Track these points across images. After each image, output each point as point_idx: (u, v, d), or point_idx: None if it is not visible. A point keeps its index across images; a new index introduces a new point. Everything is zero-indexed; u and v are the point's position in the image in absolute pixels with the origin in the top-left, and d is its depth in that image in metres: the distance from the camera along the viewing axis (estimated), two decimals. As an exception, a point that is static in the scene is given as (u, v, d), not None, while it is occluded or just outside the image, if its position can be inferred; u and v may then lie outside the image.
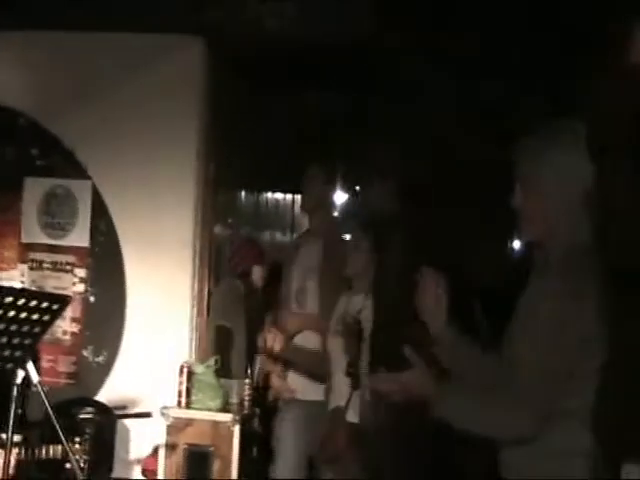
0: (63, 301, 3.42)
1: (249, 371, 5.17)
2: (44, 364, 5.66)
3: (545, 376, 2.41)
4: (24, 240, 6.00)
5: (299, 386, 5.00)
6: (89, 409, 4.82)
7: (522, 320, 2.56)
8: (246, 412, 5.02)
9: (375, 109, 6.09)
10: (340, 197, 5.73)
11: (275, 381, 5.15)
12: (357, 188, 4.96)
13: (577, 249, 2.53)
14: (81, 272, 5.90)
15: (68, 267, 5.92)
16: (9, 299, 3.12)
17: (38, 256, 5.97)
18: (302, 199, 5.39)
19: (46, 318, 3.28)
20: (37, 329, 3.27)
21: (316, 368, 4.80)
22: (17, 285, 5.71)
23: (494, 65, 5.47)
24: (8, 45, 5.97)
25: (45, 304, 3.26)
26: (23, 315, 3.19)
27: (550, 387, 2.42)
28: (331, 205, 5.28)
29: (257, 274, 5.74)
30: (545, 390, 2.42)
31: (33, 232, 5.98)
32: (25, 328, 3.22)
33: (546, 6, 4.81)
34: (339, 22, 5.62)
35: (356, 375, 4.24)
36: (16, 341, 3.22)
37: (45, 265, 5.95)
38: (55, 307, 3.30)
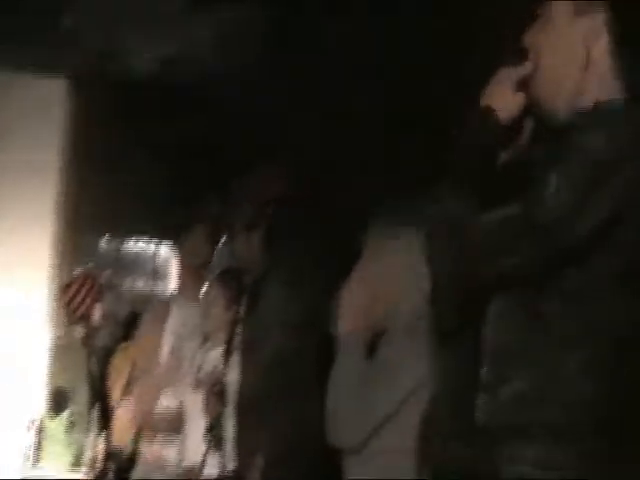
0: None
1: (102, 425, 4.95)
2: None
3: None
4: None
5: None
6: None
7: None
8: (99, 469, 4.81)
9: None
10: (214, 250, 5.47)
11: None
12: (225, 239, 4.69)
13: None
14: None
15: None
16: None
17: None
18: (179, 254, 5.14)
19: None
20: None
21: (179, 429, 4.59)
22: None
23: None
24: None
25: None
26: None
27: None
28: (207, 261, 5.00)
29: (98, 313, 5.39)
30: None
31: None
32: None
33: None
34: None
35: (217, 437, 4.06)
36: None
37: None
38: None
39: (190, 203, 5.35)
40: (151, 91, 5.83)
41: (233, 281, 4.43)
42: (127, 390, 5.55)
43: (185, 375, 4.57)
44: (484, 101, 2.12)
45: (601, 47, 2.08)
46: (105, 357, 5.61)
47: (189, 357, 4.68)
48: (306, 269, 4.02)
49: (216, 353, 4.39)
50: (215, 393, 4.14)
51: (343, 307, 2.90)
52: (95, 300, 5.36)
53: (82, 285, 5.43)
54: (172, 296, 5.24)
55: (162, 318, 4.94)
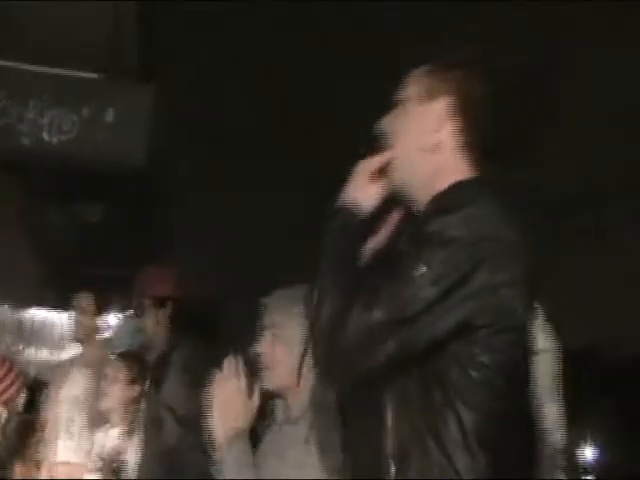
0: None
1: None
2: None
3: None
4: None
5: None
6: None
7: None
8: None
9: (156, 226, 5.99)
10: (113, 323, 5.37)
11: None
12: (127, 313, 4.59)
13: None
14: None
15: None
16: None
17: None
18: (74, 327, 5.10)
19: None
20: None
21: None
22: None
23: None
24: None
25: None
26: None
27: None
28: (101, 334, 5.07)
29: (20, 399, 5.32)
30: None
31: None
32: None
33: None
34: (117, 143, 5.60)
35: None
36: None
37: None
38: None
39: (87, 278, 5.22)
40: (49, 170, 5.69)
41: (135, 359, 4.44)
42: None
43: (84, 452, 4.55)
44: (346, 195, 2.12)
45: (450, 129, 2.09)
46: (13, 432, 5.49)
47: (86, 434, 4.64)
48: (202, 362, 3.92)
49: (115, 432, 4.37)
50: (112, 471, 4.14)
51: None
52: (21, 387, 5.27)
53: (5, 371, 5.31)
54: (70, 365, 5.14)
55: (60, 388, 4.90)
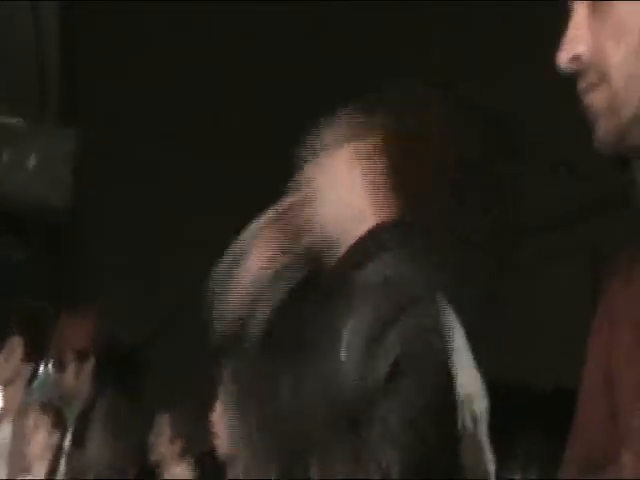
0: None
1: None
2: None
3: None
4: None
5: None
6: None
7: None
8: None
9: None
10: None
11: None
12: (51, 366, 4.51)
13: None
14: None
15: None
16: None
17: None
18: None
19: None
20: None
21: None
22: None
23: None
24: None
25: None
26: None
27: None
28: (26, 381, 4.73)
29: None
30: None
31: None
32: None
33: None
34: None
35: None
36: None
37: None
38: None
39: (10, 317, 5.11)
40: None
41: (56, 411, 4.32)
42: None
43: None
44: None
45: (377, 169, 2.05)
46: None
47: None
48: (126, 414, 4.08)
49: None
50: None
51: None
52: None
53: None
54: None
55: None
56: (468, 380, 2.58)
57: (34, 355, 4.92)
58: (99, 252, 5.92)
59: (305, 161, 2.13)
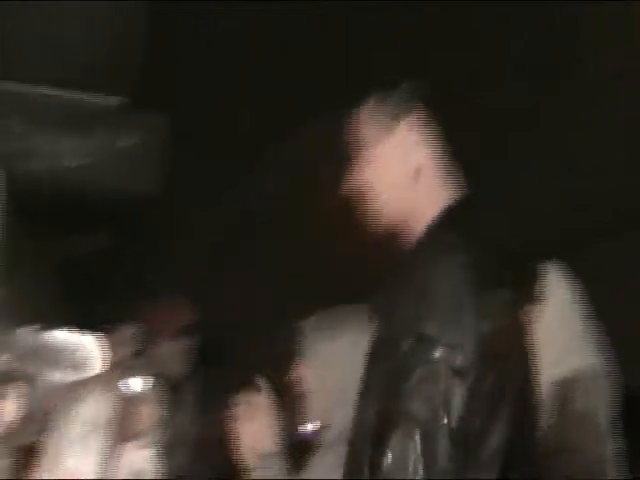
0: None
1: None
2: None
3: None
4: None
5: None
6: None
7: None
8: None
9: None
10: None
11: None
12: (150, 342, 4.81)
13: None
14: None
15: None
16: None
17: None
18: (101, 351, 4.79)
19: None
20: None
21: None
22: None
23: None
24: None
25: None
26: None
27: None
28: (125, 360, 4.86)
29: (7, 410, 5.04)
30: None
31: None
32: None
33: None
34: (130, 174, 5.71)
35: None
36: None
37: None
38: None
39: (113, 302, 5.24)
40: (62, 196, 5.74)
41: (159, 383, 4.46)
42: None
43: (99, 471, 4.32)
44: None
45: (427, 157, 2.11)
46: (26, 454, 5.44)
47: (105, 453, 4.47)
48: (215, 392, 4.12)
49: (145, 453, 4.39)
50: None
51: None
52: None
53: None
54: (86, 386, 5.13)
55: (80, 407, 4.69)
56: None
57: (136, 338, 5.11)
58: (184, 238, 6.01)
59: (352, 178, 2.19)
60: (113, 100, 5.76)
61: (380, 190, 2.16)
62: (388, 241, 2.17)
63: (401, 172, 2.15)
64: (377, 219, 2.18)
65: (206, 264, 5.78)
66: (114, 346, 4.93)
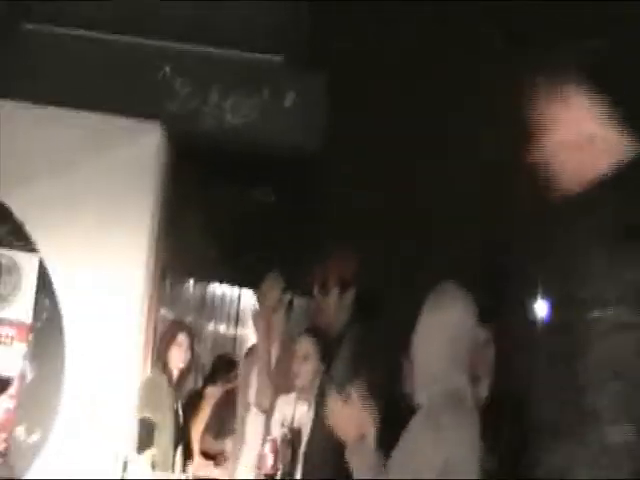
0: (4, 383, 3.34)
1: (184, 465, 5.30)
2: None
3: None
4: (-37, 310, 5.82)
5: None
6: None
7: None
8: None
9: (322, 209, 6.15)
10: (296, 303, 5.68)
11: None
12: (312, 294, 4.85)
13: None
14: (20, 347, 5.81)
15: (7, 340, 5.81)
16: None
17: (-24, 327, 5.77)
18: (259, 299, 5.43)
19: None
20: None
21: None
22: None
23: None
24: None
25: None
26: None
27: None
28: (286, 312, 5.32)
29: (177, 358, 5.79)
30: None
31: (-26, 302, 5.81)
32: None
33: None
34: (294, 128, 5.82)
35: None
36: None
37: (-17, 337, 5.75)
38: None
39: (273, 255, 5.69)
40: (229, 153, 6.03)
41: (321, 337, 4.67)
42: (206, 432, 6.17)
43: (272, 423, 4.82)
44: None
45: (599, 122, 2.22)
46: (191, 400, 6.17)
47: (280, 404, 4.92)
48: (370, 347, 4.33)
49: (303, 407, 4.67)
50: (286, 441, 4.43)
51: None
52: (170, 344, 5.80)
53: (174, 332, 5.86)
54: (250, 338, 5.84)
55: (251, 364, 5.29)
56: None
57: (290, 289, 5.23)
58: (345, 194, 6.00)
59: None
60: (277, 59, 5.76)
61: (557, 152, 2.25)
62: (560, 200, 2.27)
63: (576, 135, 2.22)
64: (553, 180, 2.26)
65: (364, 219, 5.84)
66: (271, 298, 5.22)
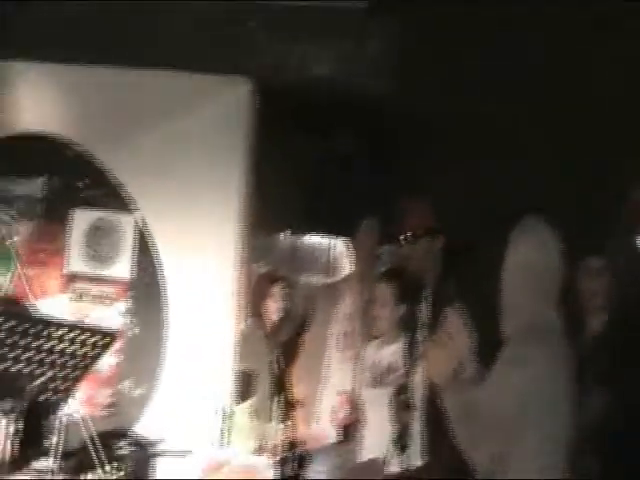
0: (112, 336, 3.43)
1: (284, 416, 5.30)
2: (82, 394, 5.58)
3: None
4: (66, 271, 6.07)
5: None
6: (126, 442, 4.97)
7: None
8: (281, 456, 5.08)
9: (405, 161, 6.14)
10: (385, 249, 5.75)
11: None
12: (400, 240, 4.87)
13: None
14: (122, 305, 5.95)
15: (109, 299, 5.95)
16: (59, 332, 3.13)
17: (79, 287, 6.02)
18: (353, 248, 5.54)
19: (94, 353, 3.30)
20: (84, 363, 3.28)
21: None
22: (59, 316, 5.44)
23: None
24: (60, 77, 6.19)
25: (94, 339, 3.26)
26: (71, 349, 3.19)
27: None
28: (377, 257, 5.40)
29: (272, 308, 5.84)
30: None
31: (76, 263, 6.06)
32: (72, 362, 3.24)
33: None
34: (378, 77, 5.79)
35: (403, 444, 4.28)
36: (62, 374, 3.23)
37: (85, 297, 6.00)
38: (103, 342, 3.30)
39: (364, 203, 5.74)
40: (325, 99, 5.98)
41: (399, 279, 4.69)
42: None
43: (360, 369, 4.89)
44: None
45: None
46: (286, 350, 5.99)
47: (358, 348, 5.01)
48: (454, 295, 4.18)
49: (389, 350, 4.67)
50: (402, 402, 4.30)
51: None
52: (265, 298, 5.85)
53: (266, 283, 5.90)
54: (343, 285, 5.63)
55: (332, 306, 5.43)
56: None
57: (385, 237, 5.25)
58: (423, 142, 5.96)
59: None
60: (358, 5, 5.73)
61: None
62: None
63: None
64: None
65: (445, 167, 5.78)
66: (361, 247, 5.32)
